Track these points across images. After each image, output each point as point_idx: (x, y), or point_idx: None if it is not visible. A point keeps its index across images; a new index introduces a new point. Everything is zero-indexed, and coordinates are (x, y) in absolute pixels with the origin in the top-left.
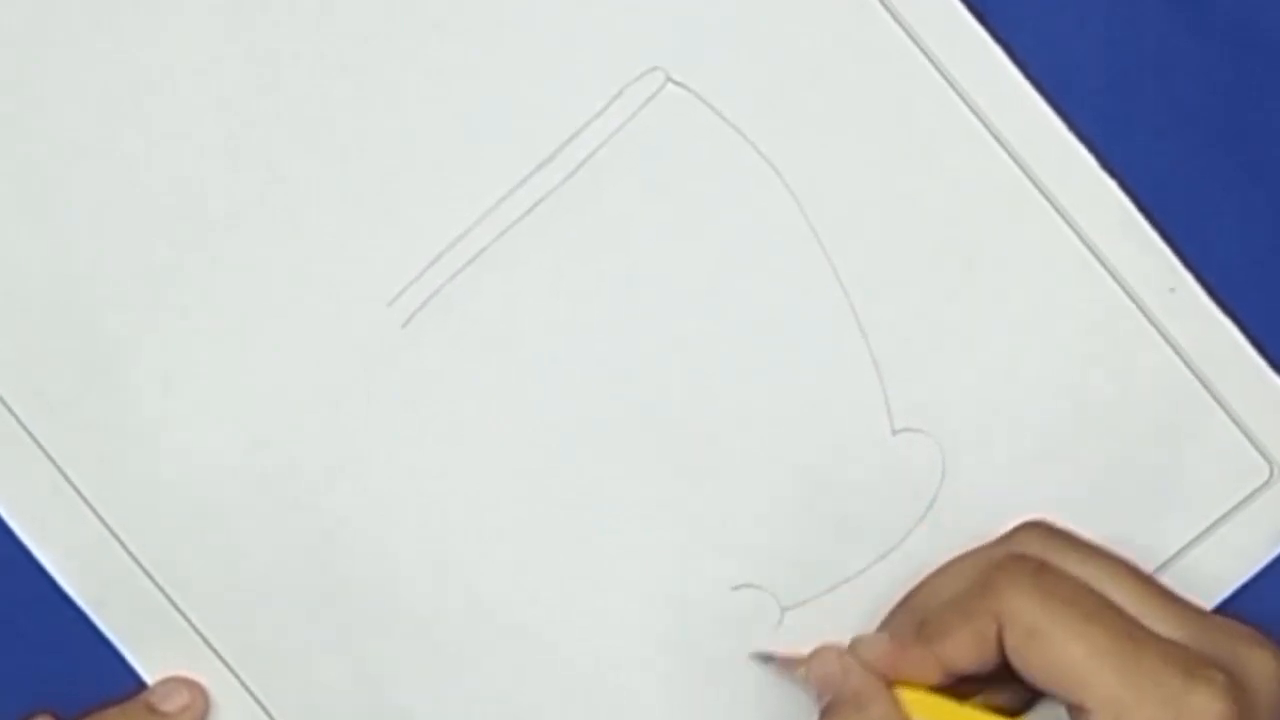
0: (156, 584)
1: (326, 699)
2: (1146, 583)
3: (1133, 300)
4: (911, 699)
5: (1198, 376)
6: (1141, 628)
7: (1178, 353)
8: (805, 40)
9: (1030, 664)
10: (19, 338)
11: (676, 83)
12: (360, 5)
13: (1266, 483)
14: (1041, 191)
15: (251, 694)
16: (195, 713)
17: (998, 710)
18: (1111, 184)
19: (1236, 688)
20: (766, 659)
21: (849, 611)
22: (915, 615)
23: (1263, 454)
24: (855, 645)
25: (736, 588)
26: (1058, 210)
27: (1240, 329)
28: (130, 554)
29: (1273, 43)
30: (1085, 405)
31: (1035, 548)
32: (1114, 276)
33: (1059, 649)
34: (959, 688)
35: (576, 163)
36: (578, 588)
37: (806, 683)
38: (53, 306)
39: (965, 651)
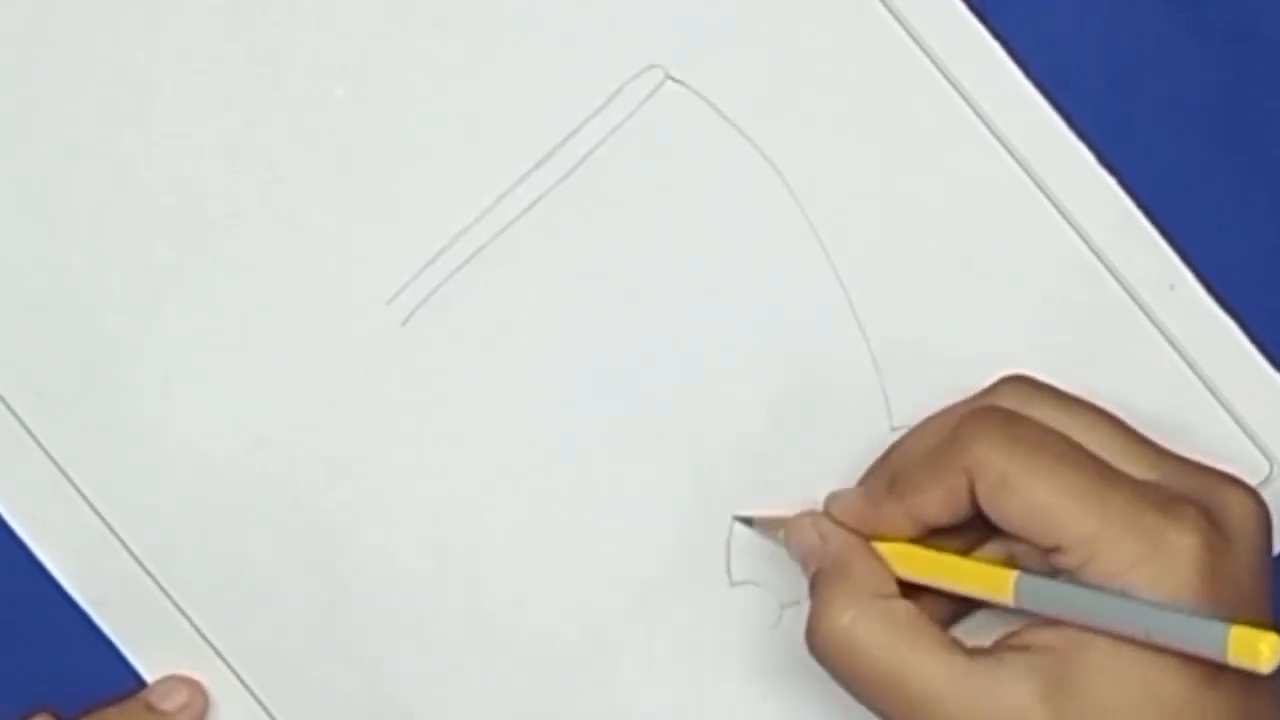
0: (157, 583)
1: (326, 698)
2: (1123, 428)
3: (1132, 298)
4: (891, 552)
5: (1197, 374)
6: (1115, 469)
7: (1177, 350)
8: (805, 38)
9: (1002, 511)
10: (19, 338)
11: (675, 80)
12: (360, 5)
13: (1266, 480)
14: (1041, 190)
15: (251, 693)
16: (194, 711)
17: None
18: (1111, 182)
19: (1212, 522)
20: (747, 521)
21: None
22: (890, 471)
23: (1262, 451)
24: (829, 503)
25: (736, 585)
26: (1057, 208)
27: (1240, 327)
28: (130, 553)
29: (1272, 41)
30: None
31: (1011, 399)
32: (1113, 274)
33: (1029, 492)
34: (938, 539)
35: (575, 160)
36: (577, 586)
37: (787, 546)
38: (53, 306)
39: (936, 505)
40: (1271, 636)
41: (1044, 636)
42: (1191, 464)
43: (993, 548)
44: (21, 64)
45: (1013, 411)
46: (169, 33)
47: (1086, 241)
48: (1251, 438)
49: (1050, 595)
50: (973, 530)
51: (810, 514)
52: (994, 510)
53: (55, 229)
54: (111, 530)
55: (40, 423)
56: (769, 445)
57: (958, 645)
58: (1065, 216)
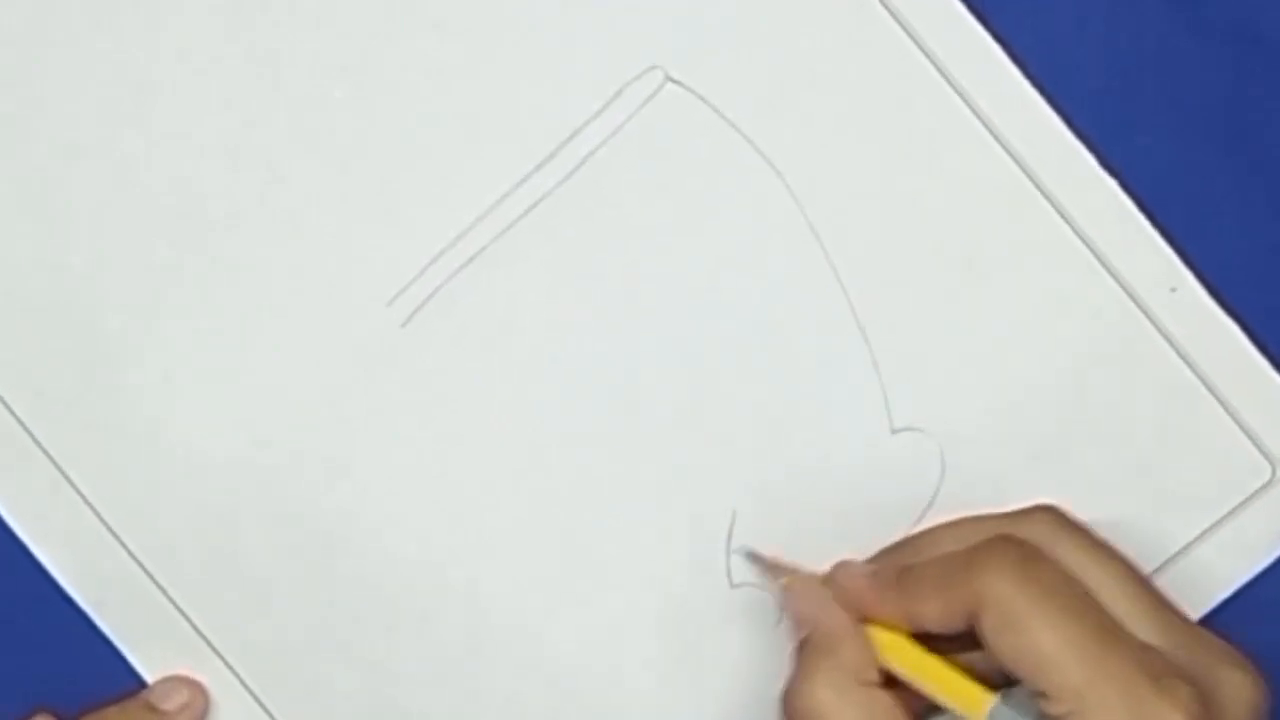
0: (157, 583)
1: (326, 698)
2: (1139, 585)
3: (1133, 299)
4: (885, 641)
5: (1198, 376)
6: (1119, 628)
7: (1178, 352)
8: (805, 39)
9: (1000, 646)
10: (19, 338)
11: (676, 82)
12: (360, 5)
13: (1268, 483)
14: (1041, 190)
15: (251, 693)
16: (194, 711)
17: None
18: (1112, 183)
19: (1204, 705)
20: (752, 557)
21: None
22: (902, 564)
23: (1264, 453)
24: (837, 571)
25: (736, 586)
26: (1058, 209)
27: (1241, 328)
28: (130, 554)
29: (1273, 41)
30: (1085, 405)
31: (1038, 532)
32: (1114, 276)
33: (1031, 636)
34: (935, 643)
35: (576, 162)
36: (577, 586)
37: (784, 603)
38: (53, 306)
39: (935, 616)
40: None
41: None
42: (1200, 634)
43: (982, 654)
44: (21, 64)
45: (1034, 549)
46: (169, 33)
47: (1086, 242)
48: (1253, 439)
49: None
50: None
51: (811, 579)
52: (993, 643)
53: (55, 229)
54: (111, 530)
55: (40, 423)
56: (769, 445)
57: None
58: (1065, 217)
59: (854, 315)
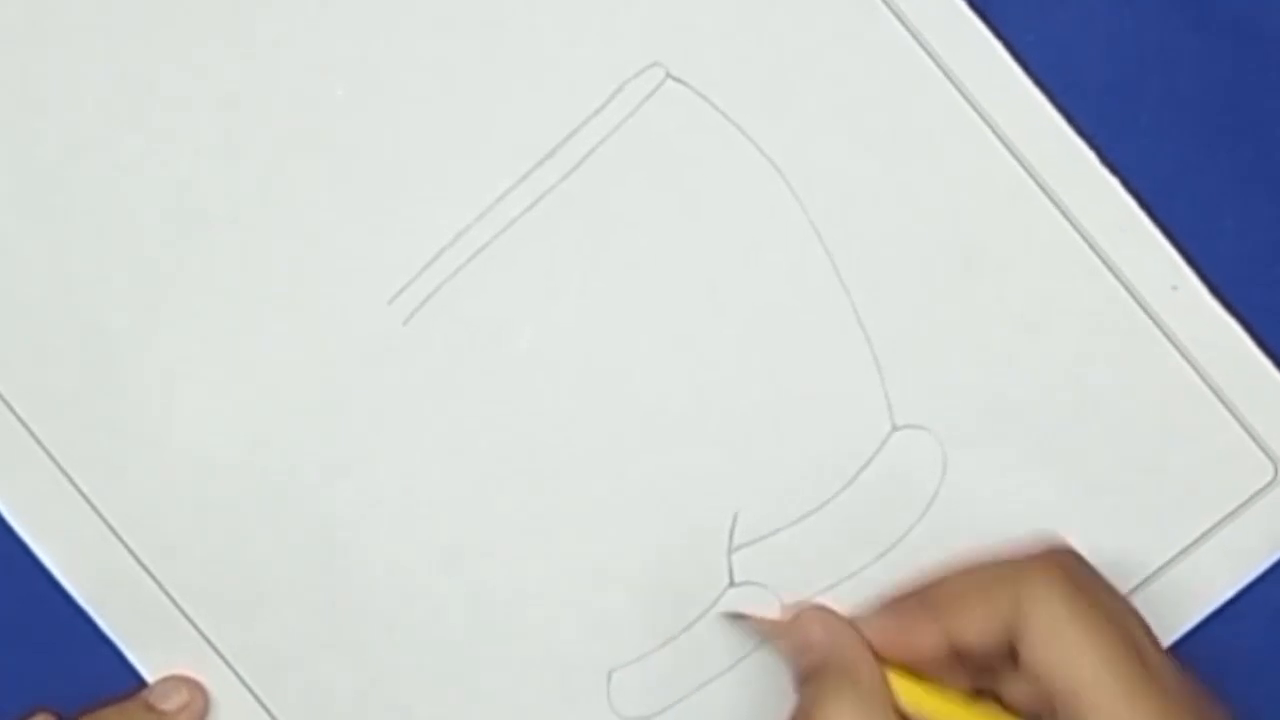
0: (157, 583)
1: (327, 698)
2: (1149, 631)
3: (1134, 298)
4: (900, 684)
5: (1200, 375)
6: (1159, 654)
7: (1180, 351)
8: (805, 36)
9: (1041, 653)
10: (20, 337)
11: (676, 79)
12: (360, 5)
13: (1271, 482)
14: (1043, 189)
15: (252, 692)
16: (194, 711)
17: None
18: (1113, 181)
19: None
20: (736, 618)
21: (849, 609)
22: (924, 596)
23: (1266, 453)
24: (858, 622)
25: (737, 584)
26: (1059, 208)
27: (1243, 327)
28: (131, 553)
29: (1274, 40)
30: (1086, 404)
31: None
32: (1116, 274)
33: (1077, 647)
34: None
35: (576, 159)
36: (578, 585)
37: (787, 634)
38: (54, 306)
39: (976, 625)
40: None
41: None
42: (1198, 692)
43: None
44: (21, 64)
45: (1082, 560)
46: (169, 33)
47: (1088, 241)
48: (1255, 439)
49: None
50: (971, 672)
51: (823, 609)
52: (1033, 649)
53: (56, 229)
54: (111, 530)
55: (41, 423)
56: (769, 445)
57: None
58: (1066, 216)
59: (855, 313)
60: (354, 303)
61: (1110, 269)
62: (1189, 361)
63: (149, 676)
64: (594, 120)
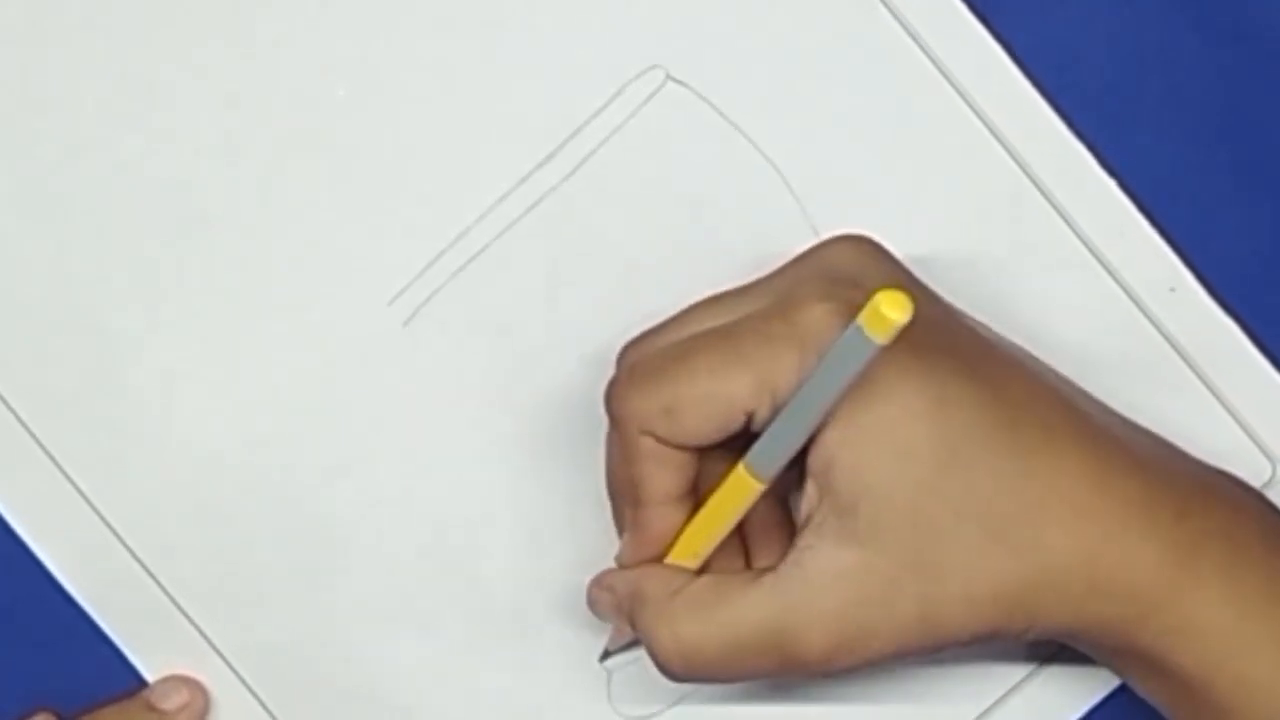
0: (157, 582)
1: (327, 697)
2: None
3: (1133, 299)
4: (672, 555)
5: (1198, 375)
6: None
7: (1178, 352)
8: (805, 38)
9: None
10: (19, 337)
11: (676, 80)
12: (360, 5)
13: (1269, 481)
14: (1041, 191)
15: (252, 692)
16: (194, 711)
17: None
18: (1111, 183)
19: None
20: (608, 655)
21: None
22: (618, 504)
23: (1264, 452)
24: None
25: None
26: (1057, 210)
27: (1241, 327)
28: (131, 553)
29: (1273, 42)
30: None
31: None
32: (1114, 276)
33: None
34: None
35: (577, 161)
36: (578, 585)
37: (598, 614)
38: (53, 306)
39: (667, 474)
40: (888, 297)
41: (810, 494)
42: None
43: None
44: (22, 64)
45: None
46: (169, 33)
47: (1086, 243)
48: (1253, 438)
49: (772, 438)
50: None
51: (592, 580)
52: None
53: (56, 229)
54: (111, 530)
55: (41, 423)
56: None
57: (761, 571)
58: (1065, 218)
59: None
60: (354, 304)
61: (1108, 270)
62: (1187, 362)
63: (149, 676)
64: (594, 122)
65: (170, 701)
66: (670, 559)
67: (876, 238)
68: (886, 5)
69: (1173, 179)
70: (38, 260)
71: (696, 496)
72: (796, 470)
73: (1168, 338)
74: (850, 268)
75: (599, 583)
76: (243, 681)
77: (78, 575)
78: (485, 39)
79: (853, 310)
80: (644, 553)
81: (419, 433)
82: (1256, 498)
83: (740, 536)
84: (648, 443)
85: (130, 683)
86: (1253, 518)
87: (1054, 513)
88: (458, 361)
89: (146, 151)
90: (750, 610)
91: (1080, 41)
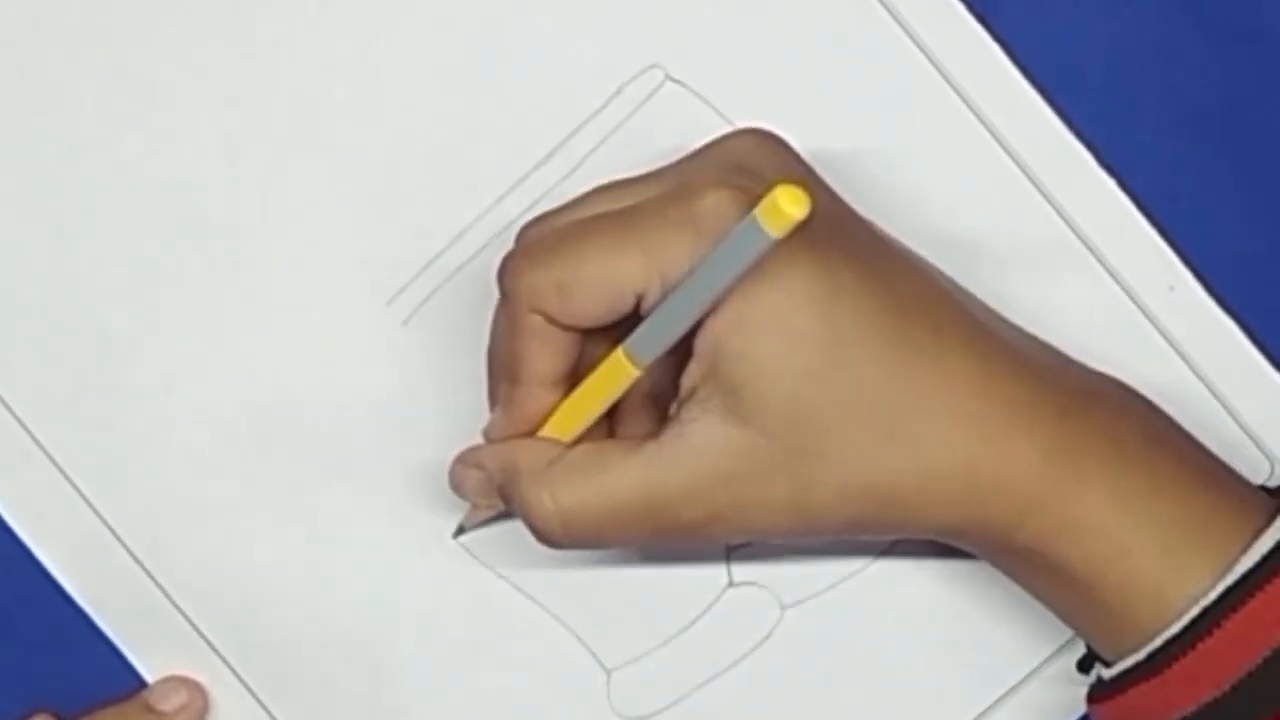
0: (156, 583)
1: (327, 698)
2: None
3: (1131, 299)
4: (546, 431)
5: (1197, 374)
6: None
7: (1177, 351)
8: (804, 38)
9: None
10: (19, 337)
11: (675, 80)
12: (360, 5)
13: (1267, 480)
14: (1040, 190)
15: (251, 692)
16: (194, 712)
17: None
18: (1110, 182)
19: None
20: (462, 531)
21: (849, 609)
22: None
23: (1264, 452)
24: (483, 435)
25: (737, 585)
26: (1056, 209)
27: (1240, 326)
28: (130, 553)
29: (1273, 41)
30: None
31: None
32: (1113, 275)
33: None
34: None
35: (575, 161)
36: (580, 585)
37: (459, 492)
38: (53, 306)
39: (546, 358)
40: (786, 192)
41: (693, 371)
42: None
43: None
44: (21, 64)
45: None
46: (169, 33)
47: (1085, 242)
48: (1252, 438)
49: (655, 324)
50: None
51: (456, 458)
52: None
53: (55, 229)
54: (111, 530)
55: (40, 423)
56: None
57: (642, 439)
58: (1064, 217)
59: None
60: (354, 303)
61: (1107, 269)
62: (1186, 361)
63: (148, 676)
64: (593, 121)
65: (169, 702)
66: (541, 432)
67: (781, 133)
68: (885, 5)
69: (1172, 178)
70: (38, 260)
71: (575, 380)
72: (675, 356)
73: (1166, 336)
74: (752, 159)
75: (464, 460)
76: (242, 681)
77: (77, 575)
78: (484, 39)
79: (751, 200)
80: (514, 430)
81: (418, 432)
82: (1143, 401)
83: (607, 413)
84: (536, 320)
85: (129, 683)
86: (1138, 417)
87: (935, 413)
88: (457, 361)
89: (146, 151)
90: (631, 475)
91: (1079, 41)
